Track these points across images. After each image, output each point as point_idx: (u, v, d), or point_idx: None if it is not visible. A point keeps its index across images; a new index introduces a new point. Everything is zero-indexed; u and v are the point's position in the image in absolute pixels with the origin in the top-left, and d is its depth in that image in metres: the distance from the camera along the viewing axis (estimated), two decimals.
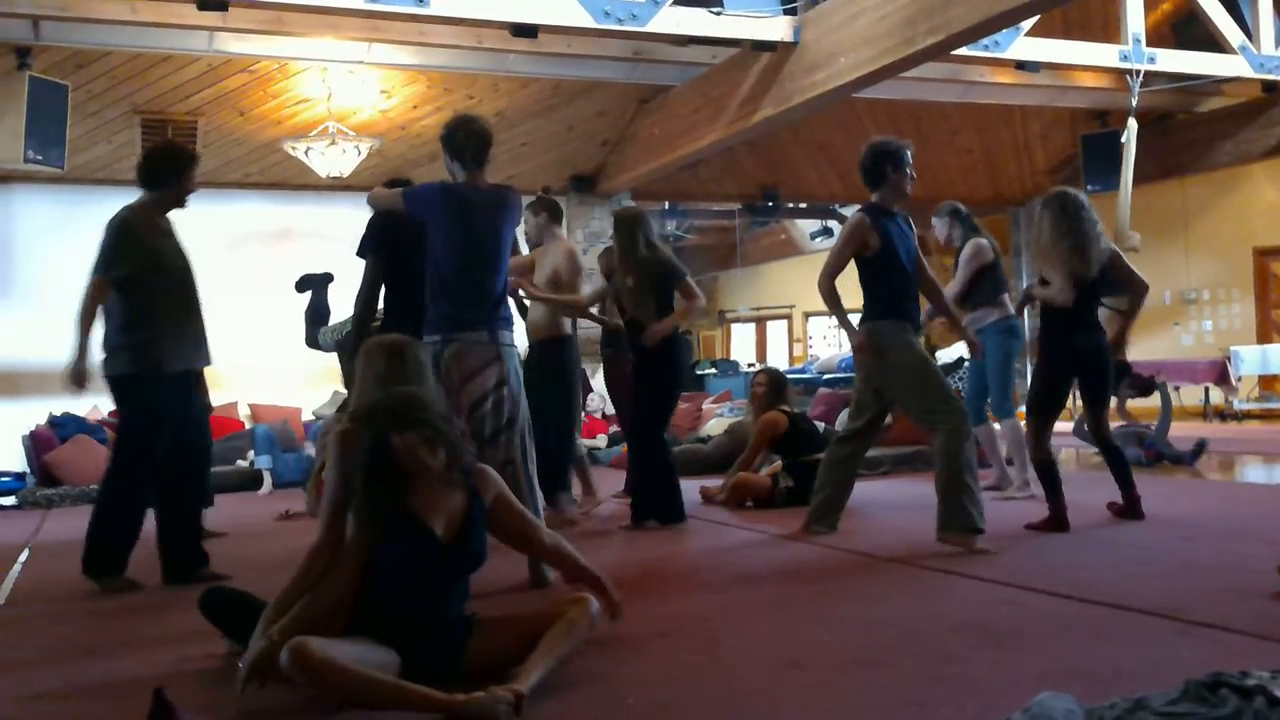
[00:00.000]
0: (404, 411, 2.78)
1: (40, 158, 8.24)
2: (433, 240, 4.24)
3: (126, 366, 4.38)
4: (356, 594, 2.77)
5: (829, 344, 18.73)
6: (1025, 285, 6.98)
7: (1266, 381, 12.40)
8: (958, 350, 11.21)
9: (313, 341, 7.61)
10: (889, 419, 7.88)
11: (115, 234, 4.42)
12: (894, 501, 6.21)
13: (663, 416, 5.75)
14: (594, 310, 6.57)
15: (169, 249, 4.56)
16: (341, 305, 7.43)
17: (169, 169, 4.56)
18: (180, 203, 4.61)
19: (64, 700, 2.84)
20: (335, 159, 9.53)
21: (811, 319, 19.64)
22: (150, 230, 4.51)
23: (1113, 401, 8.66)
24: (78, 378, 4.31)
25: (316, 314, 7.67)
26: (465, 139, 4.26)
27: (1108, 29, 9.39)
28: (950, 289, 6.29)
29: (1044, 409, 5.13)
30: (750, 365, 16.40)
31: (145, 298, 4.40)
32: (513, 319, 4.40)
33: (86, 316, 4.35)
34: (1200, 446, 7.66)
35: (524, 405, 4.28)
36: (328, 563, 2.83)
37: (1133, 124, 8.71)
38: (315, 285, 7.83)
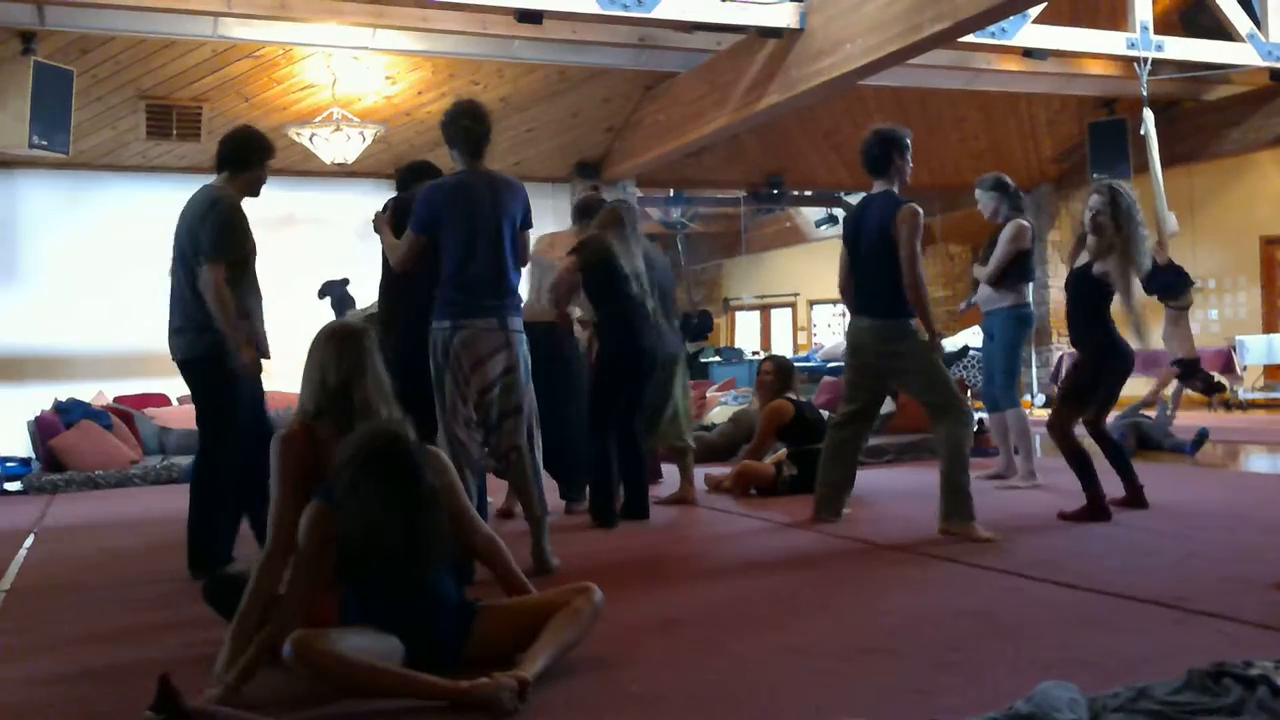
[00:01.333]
0: (397, 477, 2.66)
1: (45, 143, 8.23)
2: (440, 233, 4.24)
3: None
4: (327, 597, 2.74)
5: (833, 332, 18.70)
6: (1035, 274, 6.92)
7: (1272, 371, 12.36)
8: (960, 340, 11.21)
9: None
10: (893, 406, 7.98)
11: (229, 217, 4.35)
12: (899, 490, 6.21)
13: (602, 400, 5.46)
14: None
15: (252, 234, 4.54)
16: (364, 297, 7.58)
17: (258, 151, 4.53)
18: (255, 190, 4.57)
19: (69, 685, 2.85)
20: (340, 145, 9.52)
21: (816, 307, 19.60)
22: (244, 214, 4.48)
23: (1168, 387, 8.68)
24: (255, 365, 4.44)
25: (342, 307, 7.87)
26: (460, 133, 4.26)
27: (1115, 16, 9.33)
28: (987, 269, 6.23)
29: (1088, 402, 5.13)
30: (755, 353, 16.38)
31: (248, 281, 4.44)
32: (521, 305, 4.39)
33: (226, 306, 4.27)
34: (1202, 437, 7.61)
35: (531, 392, 4.29)
36: (278, 573, 2.77)
37: (1148, 114, 8.66)
38: (336, 290, 8.03)
